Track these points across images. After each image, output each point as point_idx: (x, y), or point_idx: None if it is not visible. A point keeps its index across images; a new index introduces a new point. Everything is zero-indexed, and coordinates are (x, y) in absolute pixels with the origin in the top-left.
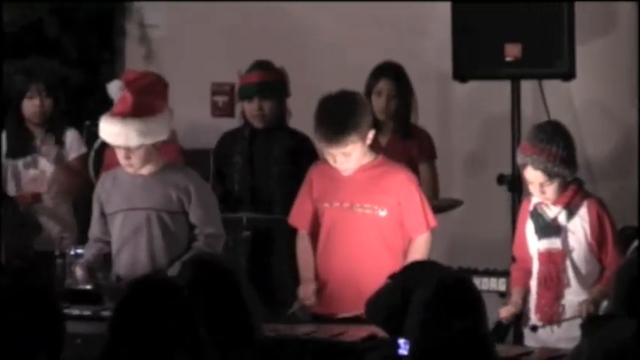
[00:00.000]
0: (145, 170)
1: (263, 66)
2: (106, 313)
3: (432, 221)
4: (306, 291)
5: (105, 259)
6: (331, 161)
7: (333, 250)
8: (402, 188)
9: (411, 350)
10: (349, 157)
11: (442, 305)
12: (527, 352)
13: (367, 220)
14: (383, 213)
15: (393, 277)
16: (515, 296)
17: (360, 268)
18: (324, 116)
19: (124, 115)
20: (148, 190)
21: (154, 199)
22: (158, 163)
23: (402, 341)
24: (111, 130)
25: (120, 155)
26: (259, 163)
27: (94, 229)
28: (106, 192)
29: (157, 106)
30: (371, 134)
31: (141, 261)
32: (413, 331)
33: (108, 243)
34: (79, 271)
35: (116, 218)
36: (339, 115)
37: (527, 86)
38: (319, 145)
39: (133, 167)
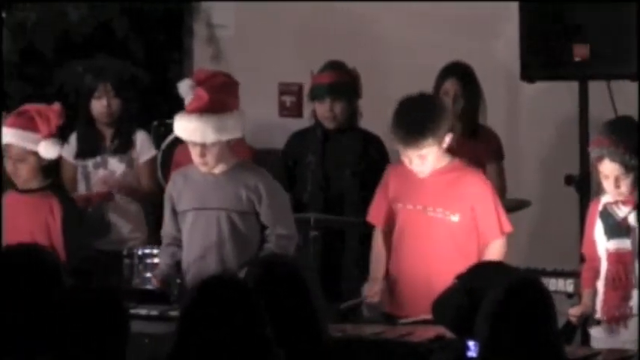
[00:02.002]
0: (218, 169)
1: (335, 66)
2: (173, 313)
3: (507, 226)
4: (372, 289)
5: (178, 265)
6: (407, 163)
7: (404, 251)
8: (477, 193)
9: (480, 352)
10: (425, 159)
11: (512, 306)
12: (594, 353)
13: (439, 224)
14: (455, 218)
15: (460, 277)
16: (586, 298)
17: (430, 270)
18: (402, 118)
19: (201, 112)
20: (218, 190)
21: (224, 199)
22: (230, 162)
23: (471, 343)
24: (187, 126)
25: (194, 153)
26: (331, 164)
27: (167, 228)
28: (178, 190)
29: (231, 103)
30: (448, 138)
31: (210, 260)
32: (482, 333)
33: (180, 243)
34: (154, 282)
35: (187, 217)
36: (416, 118)
37: (595, 87)
38: (396, 146)
39: (208, 165)
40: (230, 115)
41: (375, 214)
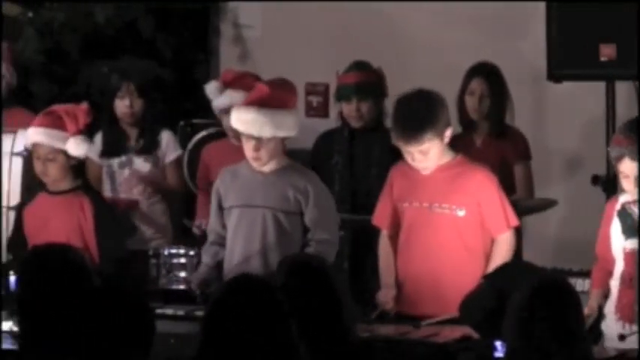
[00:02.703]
0: (268, 167)
1: (360, 66)
2: (200, 313)
3: (513, 220)
4: (386, 296)
5: (219, 266)
6: (410, 160)
7: (411, 250)
8: (481, 188)
9: (507, 352)
10: (427, 155)
11: (539, 307)
12: (621, 353)
13: (445, 220)
14: (461, 213)
15: (487, 278)
16: (593, 299)
17: (439, 267)
18: (401, 114)
19: (260, 105)
20: (266, 188)
21: (271, 198)
22: (281, 161)
23: (498, 343)
24: (247, 118)
25: (248, 147)
26: (359, 164)
27: (213, 224)
28: (225, 186)
29: (289, 100)
30: (449, 132)
31: (254, 259)
32: (509, 333)
33: (225, 242)
34: (193, 285)
35: (232, 213)
36: (415, 113)
37: (621, 87)
38: (397, 143)
39: (261, 160)
40: (288, 113)
41: (381, 217)
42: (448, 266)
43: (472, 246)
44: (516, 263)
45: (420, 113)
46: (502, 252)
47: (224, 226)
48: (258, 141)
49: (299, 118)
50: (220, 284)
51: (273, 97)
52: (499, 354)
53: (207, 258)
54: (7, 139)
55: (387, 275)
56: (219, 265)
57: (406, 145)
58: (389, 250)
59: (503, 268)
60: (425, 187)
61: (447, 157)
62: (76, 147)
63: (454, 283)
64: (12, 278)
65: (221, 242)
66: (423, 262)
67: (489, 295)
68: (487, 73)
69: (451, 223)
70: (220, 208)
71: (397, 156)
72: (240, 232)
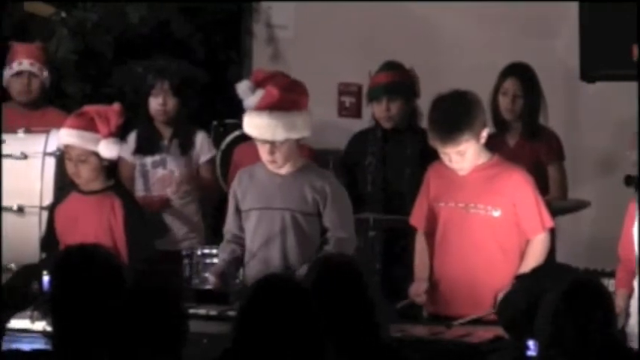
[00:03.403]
0: (284, 169)
1: (391, 67)
2: (232, 313)
3: (548, 222)
4: (417, 289)
5: (237, 263)
6: (446, 161)
7: (447, 250)
8: (517, 189)
9: (539, 352)
10: (463, 156)
11: (573, 307)
12: None
13: (481, 221)
14: (497, 213)
15: (519, 278)
16: (619, 299)
17: (473, 268)
18: (437, 116)
19: (271, 109)
20: (284, 190)
21: (289, 200)
22: (298, 162)
23: (530, 343)
24: (259, 123)
25: (263, 150)
26: (392, 164)
27: (229, 226)
28: (243, 189)
29: (301, 101)
30: (485, 133)
31: (274, 260)
32: (542, 333)
33: (242, 242)
34: (211, 278)
35: (251, 216)
36: (451, 114)
37: None
38: (433, 144)
39: (276, 163)
40: (299, 114)
41: (417, 217)
42: (483, 266)
43: (507, 246)
44: (548, 264)
45: (457, 114)
46: (536, 253)
47: (241, 228)
48: (272, 145)
49: (311, 118)
50: (246, 285)
51: (284, 99)
52: (532, 353)
53: (224, 254)
54: (39, 139)
55: (420, 270)
56: (236, 262)
57: (443, 147)
58: (424, 247)
59: (535, 270)
60: (461, 187)
61: (484, 157)
62: (107, 149)
63: (489, 283)
64: (45, 278)
65: (237, 241)
66: (458, 262)
67: (521, 296)
68: (520, 73)
69: (486, 224)
70: (237, 210)
71: (430, 156)
72: (259, 234)
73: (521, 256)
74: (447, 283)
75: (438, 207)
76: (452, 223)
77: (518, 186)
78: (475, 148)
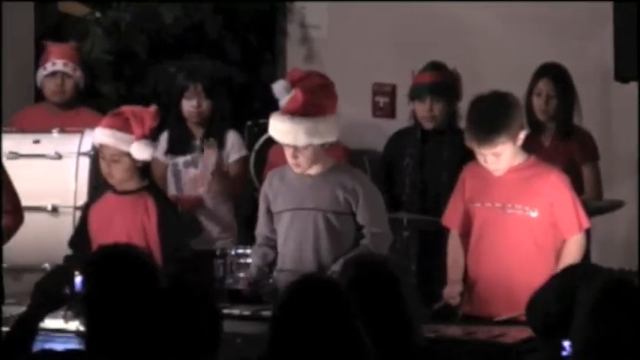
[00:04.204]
0: (313, 170)
1: (436, 67)
2: (266, 313)
3: (585, 222)
4: (451, 291)
5: (269, 266)
6: (482, 161)
7: (483, 250)
8: (555, 190)
9: (575, 352)
10: (500, 157)
11: (609, 307)
12: None
13: (518, 221)
14: (534, 214)
15: (549, 279)
16: None
17: (510, 268)
18: (475, 116)
19: (294, 114)
20: (315, 191)
21: (321, 200)
22: (326, 163)
23: (566, 343)
24: (280, 128)
25: (288, 154)
26: (430, 165)
27: (261, 228)
28: (274, 190)
29: (327, 106)
30: (522, 134)
31: (307, 261)
32: (578, 333)
33: (274, 244)
34: (245, 288)
35: (282, 217)
36: (489, 116)
37: None
38: (470, 144)
39: (301, 167)
40: (323, 119)
41: (451, 217)
42: (520, 267)
43: (543, 246)
44: (578, 264)
45: (495, 116)
46: (572, 253)
47: (273, 230)
48: (296, 149)
49: (338, 122)
50: (278, 285)
51: (308, 104)
52: (566, 353)
53: (256, 259)
54: (74, 139)
55: (454, 271)
56: (269, 266)
57: (479, 148)
58: (458, 248)
59: (565, 270)
60: (498, 187)
61: (520, 158)
62: (140, 151)
63: (526, 283)
64: (77, 278)
65: (269, 244)
66: (495, 262)
67: (550, 296)
68: (553, 73)
69: (524, 224)
70: (269, 212)
71: (468, 157)
72: (291, 235)
73: (557, 256)
74: (484, 284)
75: (473, 207)
76: (488, 224)
77: (556, 187)
78: (511, 150)
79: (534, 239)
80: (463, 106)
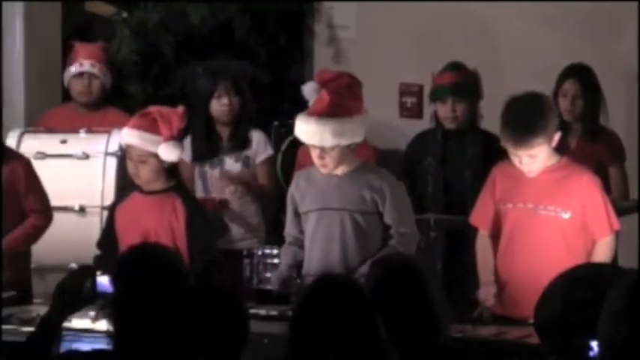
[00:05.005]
0: (339, 170)
1: (456, 67)
2: None
3: (615, 224)
4: (486, 293)
5: (299, 265)
6: (517, 162)
7: (514, 251)
8: (587, 191)
9: (601, 352)
10: (535, 158)
11: (634, 306)
12: None
13: (550, 222)
14: (566, 215)
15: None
16: None
17: (542, 269)
18: (511, 118)
19: (320, 115)
20: (342, 191)
21: (347, 200)
22: (353, 163)
23: (593, 343)
24: (306, 129)
25: (314, 154)
26: (452, 165)
27: (289, 229)
28: (300, 191)
29: (353, 107)
30: (557, 136)
31: (334, 261)
32: (605, 333)
33: (302, 243)
34: (275, 285)
35: (310, 217)
36: (526, 117)
37: None
38: (505, 146)
39: (327, 167)
40: (350, 120)
41: (481, 217)
42: (551, 268)
43: (575, 247)
44: (586, 266)
45: (531, 117)
46: (603, 255)
47: (301, 231)
48: (322, 150)
49: (365, 123)
50: (305, 285)
51: (334, 105)
52: (593, 354)
53: (286, 258)
54: (101, 139)
55: (485, 273)
56: (298, 265)
57: (515, 149)
58: (488, 248)
59: (571, 271)
60: (530, 188)
61: (553, 159)
62: (167, 152)
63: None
64: (100, 279)
65: (298, 243)
66: (526, 263)
67: (556, 298)
68: (579, 74)
69: (555, 226)
70: (296, 213)
71: (490, 157)
72: (318, 235)
73: (588, 257)
74: (514, 285)
75: (505, 208)
76: (520, 225)
77: (588, 188)
78: (547, 152)
79: (565, 240)
80: (483, 105)
